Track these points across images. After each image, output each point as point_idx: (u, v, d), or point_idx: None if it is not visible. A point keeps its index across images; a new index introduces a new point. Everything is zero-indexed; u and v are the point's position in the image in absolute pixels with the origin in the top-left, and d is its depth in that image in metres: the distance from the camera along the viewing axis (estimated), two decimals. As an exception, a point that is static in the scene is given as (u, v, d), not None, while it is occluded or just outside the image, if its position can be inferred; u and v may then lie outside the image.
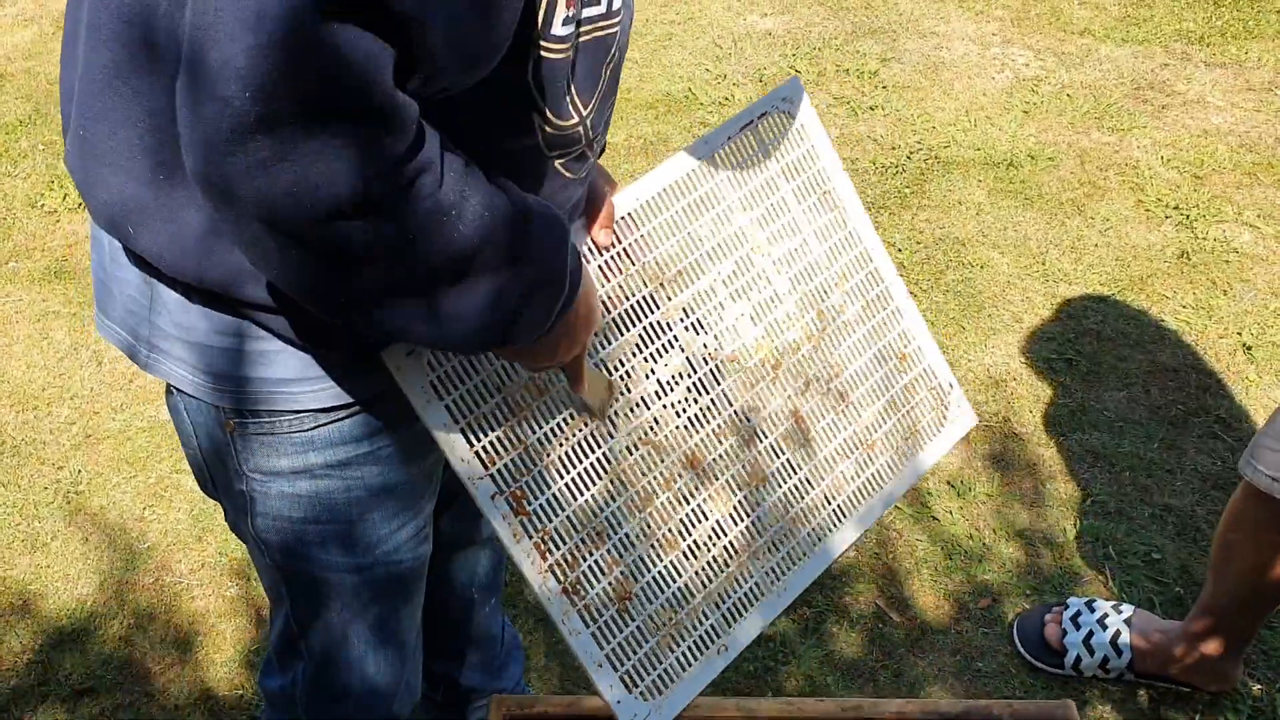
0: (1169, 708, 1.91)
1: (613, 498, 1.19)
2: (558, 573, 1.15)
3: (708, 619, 1.25)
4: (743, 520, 1.27)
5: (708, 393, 1.25)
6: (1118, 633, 1.91)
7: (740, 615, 1.27)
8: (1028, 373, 2.53)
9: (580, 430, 1.16)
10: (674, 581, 1.23)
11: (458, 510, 1.47)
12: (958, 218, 2.96)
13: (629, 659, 1.20)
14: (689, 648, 1.24)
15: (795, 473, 1.32)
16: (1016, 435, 2.39)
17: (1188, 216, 2.94)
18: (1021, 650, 1.98)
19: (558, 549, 1.15)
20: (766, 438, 1.29)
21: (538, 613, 2.10)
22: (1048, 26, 3.80)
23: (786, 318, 1.31)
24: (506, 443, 1.12)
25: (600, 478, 1.18)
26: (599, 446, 1.18)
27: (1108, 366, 2.53)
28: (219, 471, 1.14)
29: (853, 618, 2.06)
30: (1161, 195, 3.01)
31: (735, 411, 1.27)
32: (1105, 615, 1.94)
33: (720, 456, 1.26)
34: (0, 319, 2.76)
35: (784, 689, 1.94)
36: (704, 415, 1.25)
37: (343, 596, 1.20)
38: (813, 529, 1.33)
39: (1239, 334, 2.59)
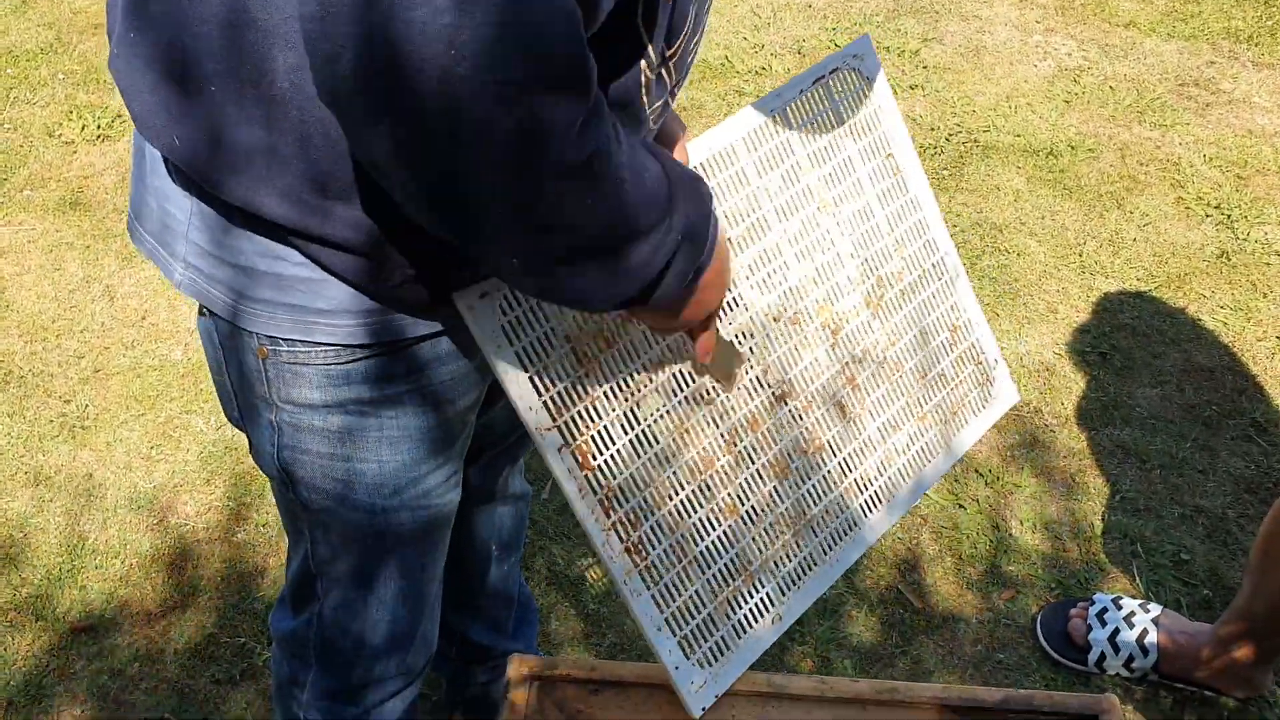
0: (1193, 712, 1.86)
1: (675, 457, 1.15)
2: (620, 531, 1.11)
3: (763, 587, 1.22)
4: (799, 488, 1.24)
5: (771, 354, 1.21)
6: (1144, 632, 1.86)
7: (794, 586, 1.24)
8: (1061, 364, 2.47)
9: (645, 386, 1.12)
10: (732, 547, 1.19)
11: (486, 463, 1.41)
12: (995, 203, 2.90)
13: (687, 624, 1.17)
14: (744, 616, 1.21)
15: (849, 442, 1.28)
16: (1047, 426, 2.33)
17: (1229, 216, 2.88)
18: (1044, 644, 1.93)
19: (620, 507, 1.11)
20: (823, 405, 1.26)
21: (553, 579, 2.05)
22: (1092, 17, 3.72)
23: (848, 281, 1.26)
24: (574, 394, 1.08)
25: (663, 437, 1.14)
26: (665, 403, 1.14)
27: (1142, 362, 2.48)
28: (247, 400, 1.08)
29: (872, 601, 2.01)
30: (1203, 194, 2.95)
31: (795, 376, 1.23)
32: (1132, 613, 1.89)
33: (779, 421, 1.22)
34: (12, 247, 2.70)
35: (797, 671, 1.90)
36: (764, 378, 1.21)
37: (366, 538, 1.14)
38: (864, 501, 1.30)
39: (1278, 337, 2.53)
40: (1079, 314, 2.59)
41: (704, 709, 1.19)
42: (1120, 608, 1.91)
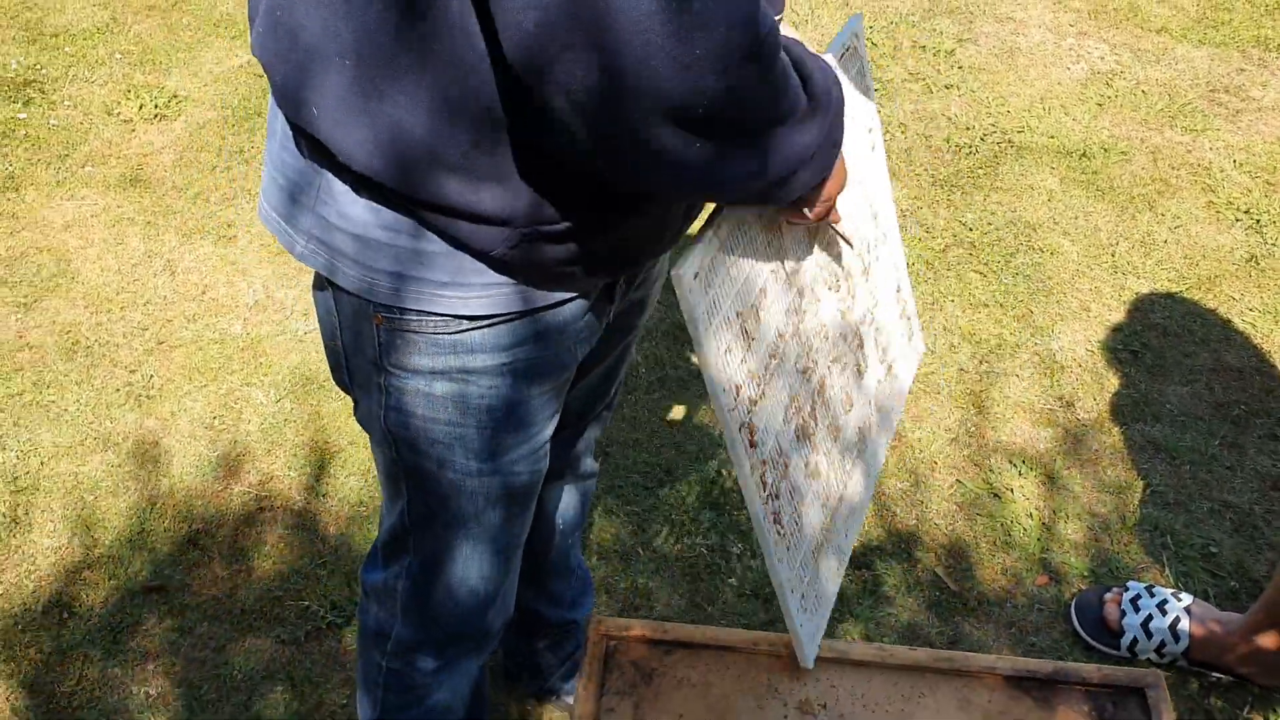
0: (1220, 697, 1.93)
1: (789, 424, 1.23)
2: (771, 504, 1.19)
3: (841, 535, 1.31)
4: (840, 439, 1.33)
5: (855, 301, 1.31)
6: (1177, 619, 1.94)
7: (846, 529, 1.34)
8: (1093, 361, 2.54)
9: (775, 359, 1.19)
10: (829, 501, 1.28)
11: (562, 441, 1.49)
12: (1029, 202, 2.97)
13: (802, 583, 1.25)
14: (832, 565, 1.31)
15: (864, 394, 1.37)
16: (1080, 421, 2.41)
17: (1258, 221, 2.94)
18: (1078, 628, 2.00)
19: (769, 481, 1.19)
20: (851, 365, 1.35)
21: (603, 554, 2.13)
22: (1125, 22, 3.78)
23: (870, 247, 1.37)
24: (746, 372, 1.15)
25: (792, 416, 1.22)
26: (785, 373, 1.21)
27: (1172, 361, 2.55)
28: (358, 364, 1.16)
29: (910, 584, 2.09)
30: (1233, 198, 3.02)
31: (836, 340, 1.31)
32: (1165, 601, 1.97)
33: (837, 385, 1.31)
34: (77, 221, 2.78)
35: (841, 646, 1.97)
36: (823, 342, 1.29)
37: (459, 498, 1.22)
38: (871, 440, 1.40)
39: (1305, 341, 2.61)
40: (1111, 313, 2.66)
41: (812, 660, 1.31)
42: (1154, 595, 1.98)
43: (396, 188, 1.00)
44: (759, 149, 0.93)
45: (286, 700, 1.89)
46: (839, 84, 1.01)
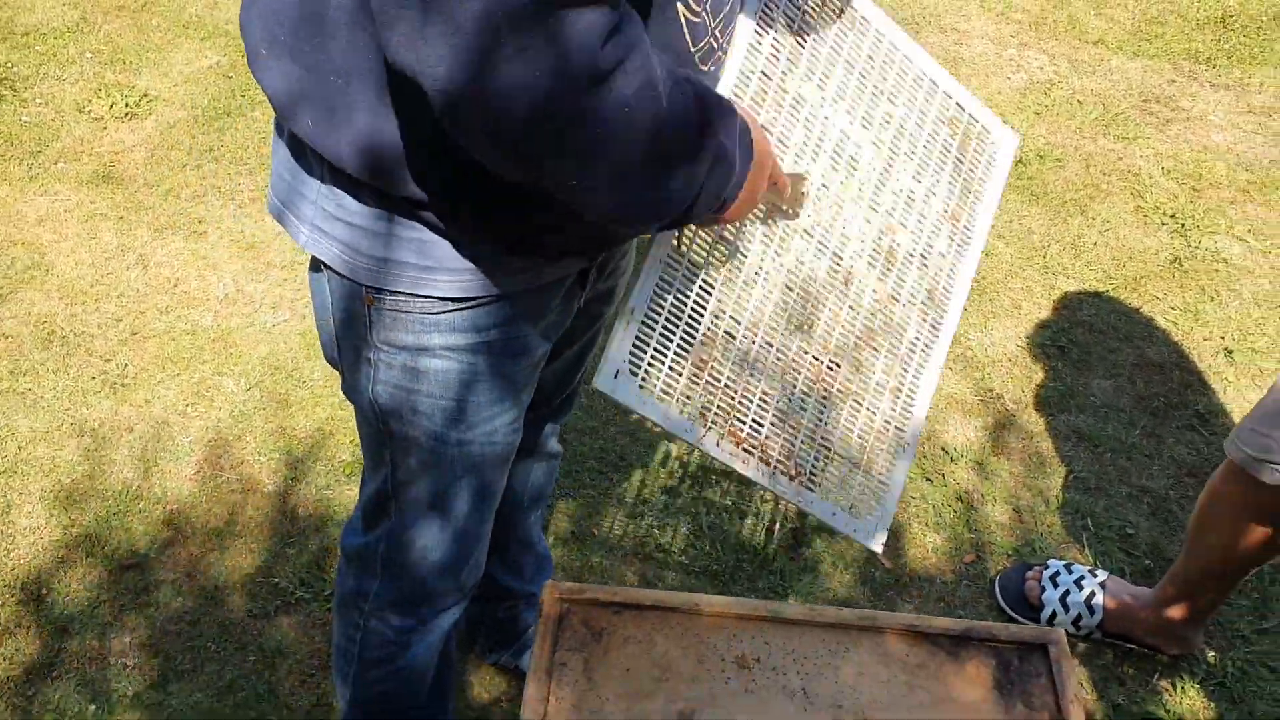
0: (1131, 665, 2.08)
1: (791, 386, 1.38)
2: (782, 468, 1.37)
3: (891, 421, 1.47)
4: (886, 340, 1.46)
5: (835, 248, 1.40)
6: (1092, 594, 2.09)
7: (910, 408, 1.49)
8: (1023, 355, 2.70)
9: (751, 351, 1.34)
10: (856, 420, 1.44)
11: (531, 421, 1.61)
12: (968, 206, 3.12)
13: (849, 497, 1.45)
14: (886, 456, 1.47)
15: (921, 238, 1.47)
16: (1008, 411, 2.56)
17: (1183, 225, 3.11)
18: (1001, 603, 2.15)
19: (773, 452, 1.36)
20: (883, 245, 1.44)
21: (559, 535, 2.25)
22: (1064, 34, 3.95)
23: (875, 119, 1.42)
24: (708, 395, 1.31)
25: (776, 379, 1.36)
26: (766, 356, 1.35)
27: (1098, 356, 2.70)
28: (348, 341, 1.28)
29: (847, 560, 2.23)
30: (1160, 203, 3.18)
31: (851, 257, 1.41)
32: (1082, 577, 2.11)
33: (859, 288, 1.43)
34: (50, 215, 2.86)
35: (782, 619, 2.11)
36: (833, 272, 1.40)
37: (441, 464, 1.34)
38: (941, 290, 1.50)
39: (1222, 338, 2.77)
40: (1041, 311, 2.82)
41: (882, 544, 1.51)
42: (1071, 572, 2.13)
43: (381, 187, 1.12)
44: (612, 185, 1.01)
45: (258, 670, 2.00)
46: (735, 134, 1.08)
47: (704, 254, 1.31)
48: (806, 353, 1.39)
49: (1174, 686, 2.05)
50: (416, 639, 1.52)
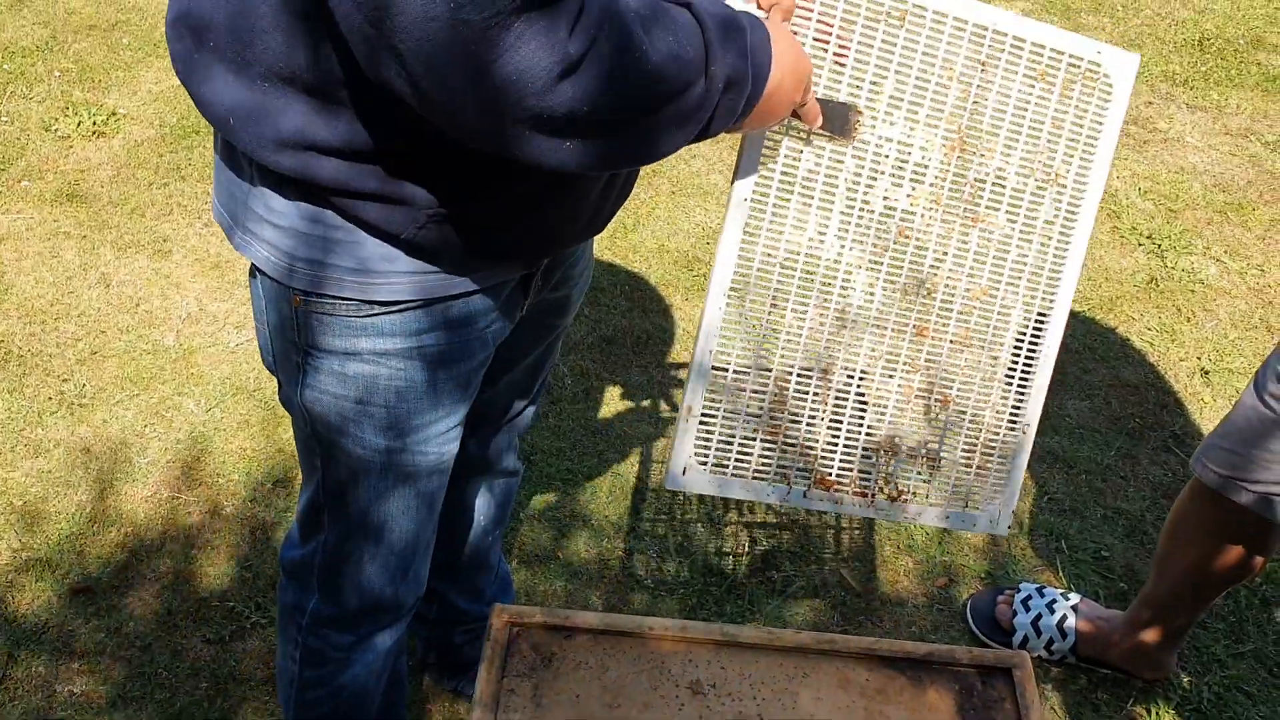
0: (1105, 691, 2.04)
1: (882, 403, 1.39)
2: (885, 491, 1.41)
3: (992, 416, 1.45)
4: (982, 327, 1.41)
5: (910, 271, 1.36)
6: (1064, 617, 2.04)
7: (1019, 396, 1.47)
8: (998, 376, 2.66)
9: (826, 403, 1.36)
10: (964, 423, 1.43)
11: (484, 436, 1.57)
12: (943, 226, 3.10)
13: (963, 491, 1.45)
14: (1000, 449, 1.46)
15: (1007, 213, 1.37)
16: (983, 432, 2.52)
17: (1159, 246, 3.09)
18: (973, 627, 2.10)
19: (871, 481, 1.40)
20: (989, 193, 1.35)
21: (523, 558, 2.20)
22: (1041, 56, 3.94)
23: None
24: (786, 455, 1.35)
25: (864, 396, 1.38)
26: (838, 376, 1.36)
27: (1073, 377, 2.67)
28: (280, 345, 1.24)
29: (817, 585, 2.18)
30: (1136, 224, 3.16)
31: (927, 272, 1.36)
32: (1054, 600, 2.07)
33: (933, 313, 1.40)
34: (11, 234, 2.82)
35: (749, 644, 2.06)
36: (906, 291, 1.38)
37: (370, 475, 1.30)
38: (1050, 264, 1.40)
39: (1198, 358, 2.74)
40: (1017, 331, 2.78)
41: (1009, 526, 1.50)
42: (1043, 595, 2.09)
43: (307, 179, 1.08)
44: (629, 132, 0.99)
45: (210, 696, 1.95)
46: (745, 49, 1.03)
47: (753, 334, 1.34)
48: (891, 378, 1.39)
49: (1149, 712, 2.01)
50: (356, 657, 1.47)
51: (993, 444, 1.45)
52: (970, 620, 2.11)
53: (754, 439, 1.34)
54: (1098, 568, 2.26)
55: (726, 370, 1.32)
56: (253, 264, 1.21)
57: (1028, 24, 1.32)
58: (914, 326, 1.37)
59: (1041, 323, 1.45)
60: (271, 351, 1.28)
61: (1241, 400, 1.71)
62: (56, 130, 3.16)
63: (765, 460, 1.35)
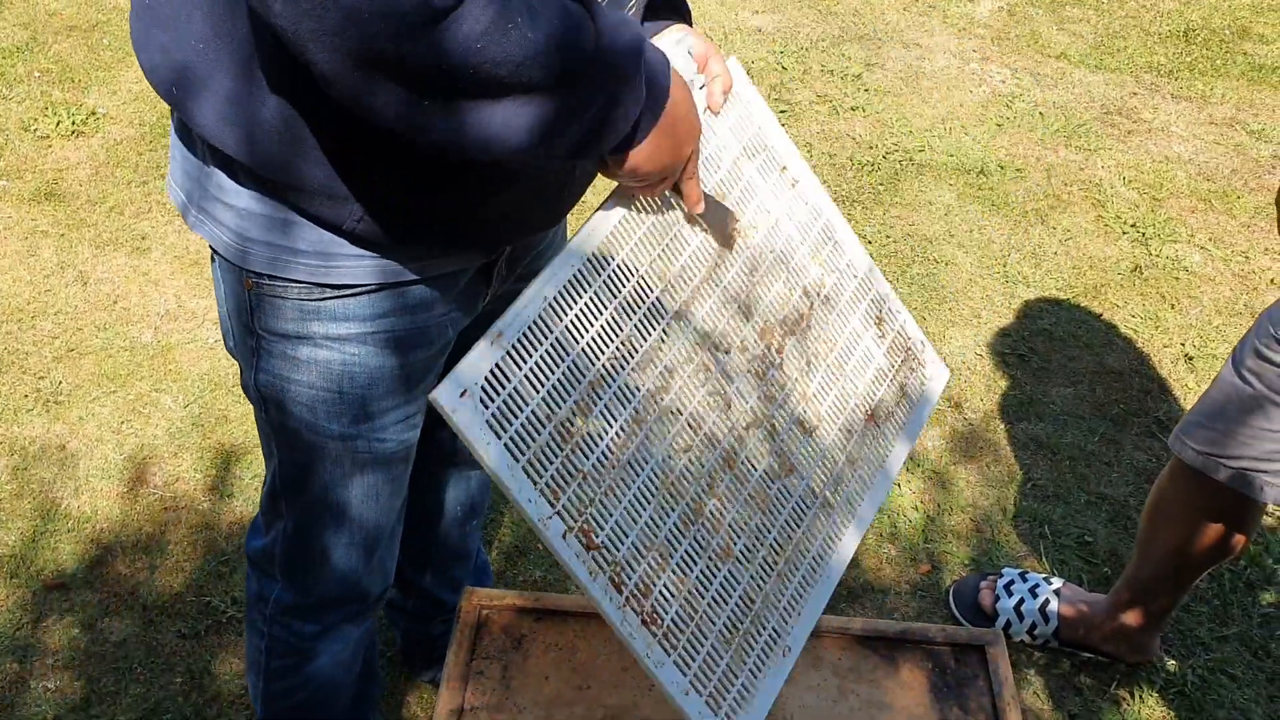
0: (1089, 675, 2.02)
1: (668, 512, 1.16)
2: (634, 604, 1.12)
3: (769, 622, 1.23)
4: (781, 514, 1.26)
5: (731, 384, 1.23)
6: (1046, 601, 2.03)
7: (795, 613, 1.26)
8: (982, 364, 2.65)
9: (626, 450, 1.14)
10: (735, 590, 1.20)
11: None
12: (927, 217, 3.09)
13: (710, 680, 1.17)
14: (758, 657, 1.22)
15: (818, 455, 1.30)
16: (967, 420, 2.51)
17: (1143, 234, 3.08)
18: (956, 613, 2.09)
19: (630, 579, 1.12)
20: (786, 424, 1.27)
21: (501, 548, 2.19)
22: (1026, 48, 3.93)
23: (779, 299, 1.29)
24: (565, 475, 1.09)
25: (654, 495, 1.15)
26: (645, 465, 1.15)
27: (1057, 365, 2.66)
28: (237, 328, 1.23)
29: (799, 574, 2.17)
30: (1121, 213, 3.15)
31: (754, 404, 1.25)
32: (1037, 585, 2.06)
33: (751, 453, 1.24)
34: (-11, 233, 2.81)
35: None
36: (728, 410, 1.23)
37: (325, 461, 1.27)
38: (841, 507, 1.32)
39: (1182, 345, 2.73)
40: (1001, 319, 2.77)
41: None
42: (1025, 580, 2.07)
43: (251, 165, 1.07)
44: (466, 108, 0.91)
45: (185, 691, 1.93)
46: (637, 54, 0.98)
47: (620, 282, 1.16)
48: (686, 493, 1.18)
49: (1132, 695, 1.99)
50: (323, 647, 1.45)
51: (750, 643, 1.22)
52: (953, 606, 2.10)
53: (544, 422, 1.09)
54: (1081, 553, 2.24)
55: (564, 315, 1.12)
56: (212, 247, 1.20)
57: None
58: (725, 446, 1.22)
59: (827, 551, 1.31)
60: (232, 335, 1.26)
61: (1220, 376, 1.69)
62: (36, 130, 3.15)
63: (544, 458, 1.08)
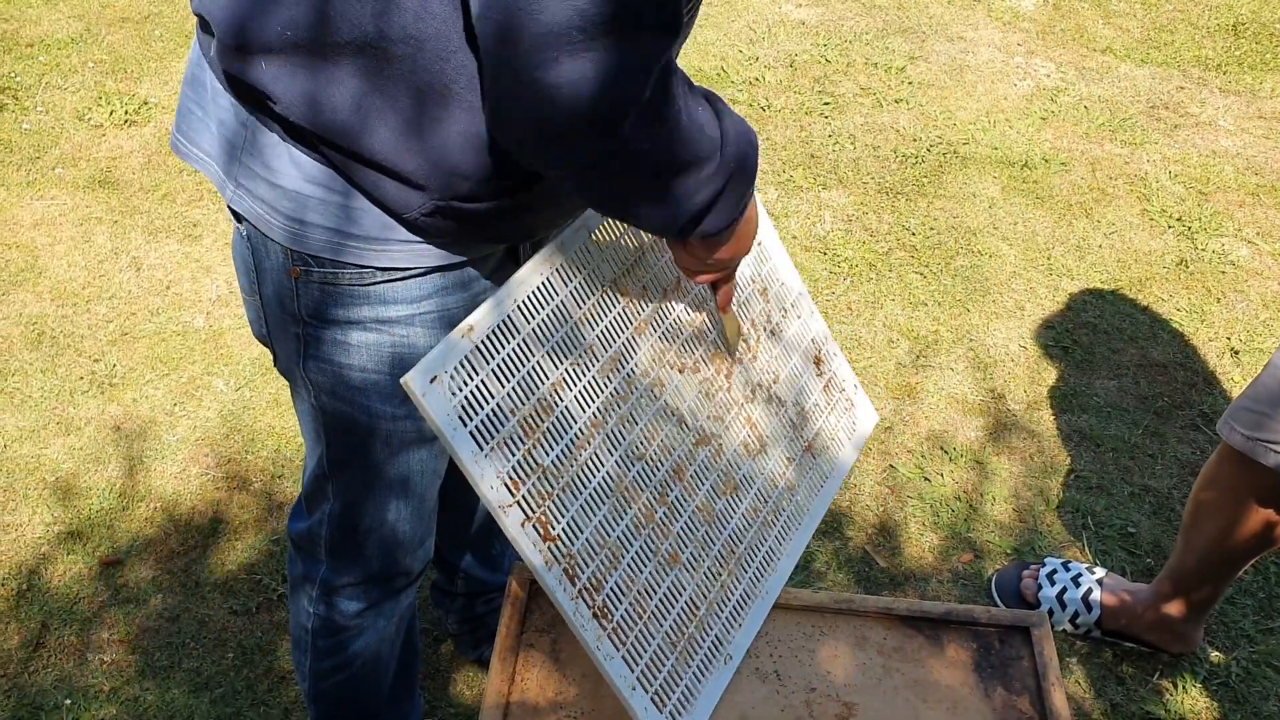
0: (1131, 665, 2.02)
1: (620, 516, 1.22)
2: (586, 597, 1.17)
3: (713, 629, 1.30)
4: (725, 529, 1.34)
5: (683, 402, 1.32)
6: (1089, 590, 2.03)
7: (737, 624, 1.34)
8: (1025, 356, 2.65)
9: (585, 450, 1.20)
10: (680, 595, 1.27)
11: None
12: (971, 209, 3.08)
13: (656, 679, 1.23)
14: (701, 660, 1.28)
15: (758, 478, 1.40)
16: (1010, 411, 2.51)
17: (1189, 228, 3.06)
18: (997, 601, 2.09)
19: (582, 573, 1.17)
20: (732, 445, 1.36)
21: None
22: (1071, 42, 3.92)
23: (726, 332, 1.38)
24: (526, 467, 1.14)
25: (609, 496, 1.21)
26: (601, 466, 1.21)
27: (1101, 357, 2.65)
28: (276, 314, 1.24)
29: (841, 561, 2.18)
30: (1166, 207, 3.13)
31: (704, 422, 1.34)
32: (1079, 574, 2.06)
33: (700, 467, 1.32)
34: (45, 219, 2.86)
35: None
36: (682, 426, 1.31)
37: (375, 442, 1.30)
38: (779, 530, 1.42)
39: (1228, 339, 2.71)
40: (1044, 311, 2.77)
41: None
42: (1069, 569, 2.08)
43: (333, 139, 1.08)
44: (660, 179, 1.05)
45: (236, 666, 1.97)
46: (754, 148, 1.12)
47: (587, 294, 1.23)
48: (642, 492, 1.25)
49: (1175, 686, 1.99)
50: (368, 624, 1.48)
51: (697, 645, 1.29)
52: (995, 595, 2.10)
53: (509, 416, 1.13)
54: (1124, 544, 2.24)
55: (535, 315, 1.18)
56: (240, 228, 1.21)
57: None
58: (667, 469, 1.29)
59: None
60: (265, 321, 1.27)
61: (1271, 362, 1.69)
62: (90, 119, 3.20)
63: (507, 447, 1.13)
